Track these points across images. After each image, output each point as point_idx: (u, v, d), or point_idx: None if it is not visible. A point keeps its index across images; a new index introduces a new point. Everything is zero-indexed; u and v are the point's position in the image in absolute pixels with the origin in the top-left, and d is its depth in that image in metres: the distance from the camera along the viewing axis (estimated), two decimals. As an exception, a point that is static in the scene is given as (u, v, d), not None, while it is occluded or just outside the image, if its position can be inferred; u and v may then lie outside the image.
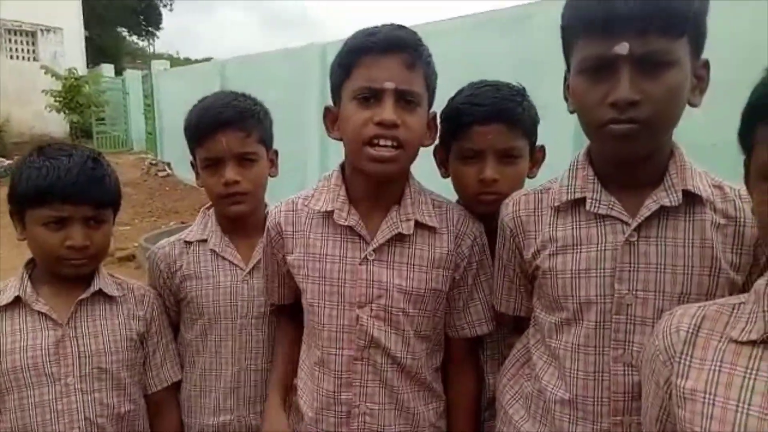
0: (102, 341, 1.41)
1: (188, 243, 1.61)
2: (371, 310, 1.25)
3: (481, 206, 1.39)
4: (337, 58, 1.25)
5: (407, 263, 1.26)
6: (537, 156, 1.48)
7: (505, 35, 4.44)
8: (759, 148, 0.83)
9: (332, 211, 1.27)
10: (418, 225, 1.28)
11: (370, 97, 1.18)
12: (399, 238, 1.26)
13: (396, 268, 1.26)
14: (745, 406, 0.80)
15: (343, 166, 1.34)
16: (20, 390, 1.34)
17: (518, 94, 1.42)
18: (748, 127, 0.86)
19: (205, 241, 1.60)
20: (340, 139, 1.28)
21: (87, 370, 1.38)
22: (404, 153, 1.21)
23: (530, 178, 1.45)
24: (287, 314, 1.49)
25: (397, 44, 1.18)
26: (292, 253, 1.32)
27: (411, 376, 1.29)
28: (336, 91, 1.26)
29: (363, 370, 1.26)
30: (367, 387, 1.27)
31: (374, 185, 1.27)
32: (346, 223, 1.26)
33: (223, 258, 1.57)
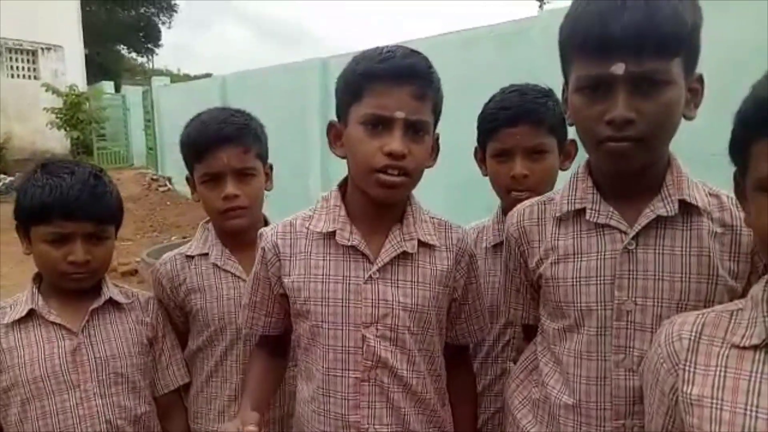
0: (116, 347, 1.47)
1: (190, 257, 1.63)
2: (377, 329, 1.23)
3: (516, 201, 1.43)
4: (345, 75, 1.24)
5: (411, 281, 1.26)
6: (569, 149, 1.59)
7: (502, 49, 4.49)
8: (756, 162, 0.84)
9: (333, 232, 1.25)
10: (420, 244, 1.27)
11: (379, 124, 1.18)
12: (402, 257, 1.25)
13: (401, 286, 1.24)
14: (753, 409, 0.82)
15: (340, 185, 1.33)
16: (41, 398, 1.38)
17: (543, 95, 1.54)
18: (741, 140, 0.87)
19: (206, 254, 1.62)
20: (344, 157, 1.27)
21: (104, 376, 1.43)
22: (410, 180, 1.22)
23: (563, 170, 1.56)
24: (267, 349, 1.43)
25: (409, 73, 1.17)
26: (290, 275, 1.28)
27: (416, 397, 1.27)
28: (342, 110, 1.25)
29: (370, 391, 1.24)
30: (375, 408, 1.24)
31: (376, 205, 1.26)
32: (349, 243, 1.24)
33: (226, 271, 1.60)
